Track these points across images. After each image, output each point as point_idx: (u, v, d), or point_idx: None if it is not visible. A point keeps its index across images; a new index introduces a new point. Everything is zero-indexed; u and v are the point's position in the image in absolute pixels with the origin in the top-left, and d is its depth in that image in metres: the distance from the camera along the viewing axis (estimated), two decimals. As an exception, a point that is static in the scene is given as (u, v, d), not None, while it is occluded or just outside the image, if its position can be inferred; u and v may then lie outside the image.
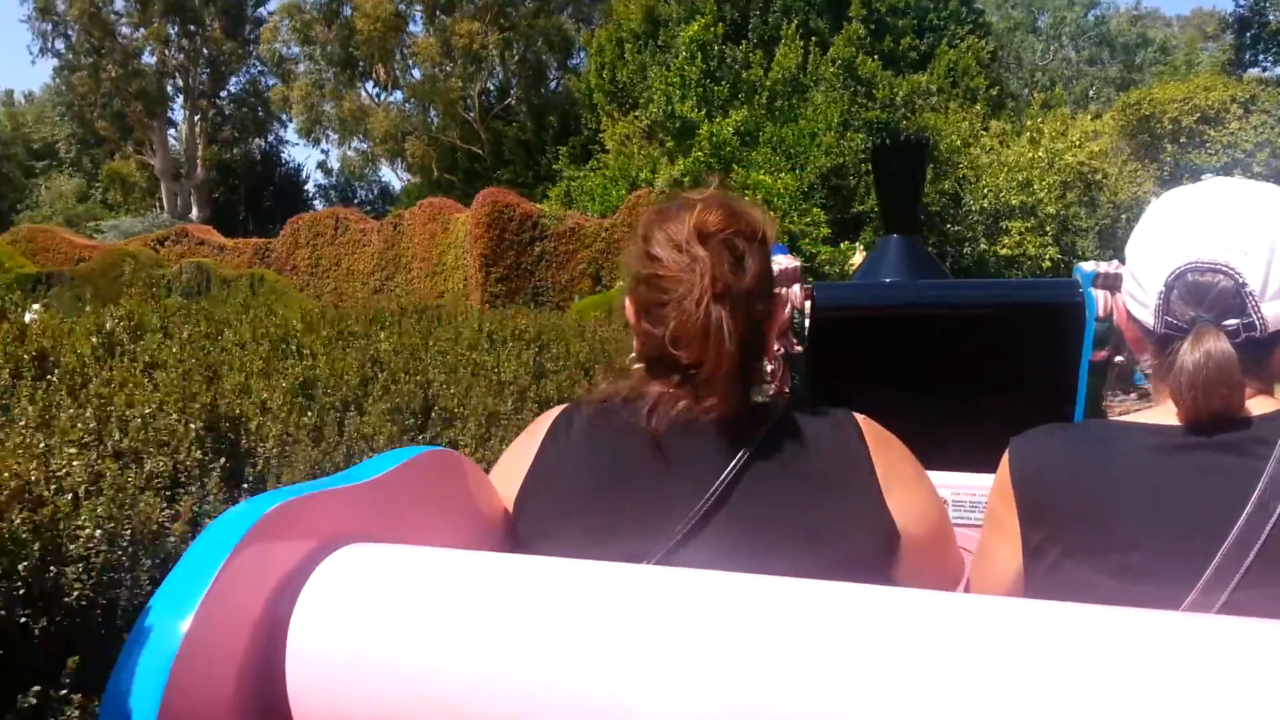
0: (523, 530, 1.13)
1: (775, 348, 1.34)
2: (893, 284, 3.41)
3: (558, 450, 1.16)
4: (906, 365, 2.60)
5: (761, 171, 18.52)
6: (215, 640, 0.74)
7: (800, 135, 19.59)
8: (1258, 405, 1.05)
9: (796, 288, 2.23)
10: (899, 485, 1.13)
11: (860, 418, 1.16)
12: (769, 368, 1.17)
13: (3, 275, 37.46)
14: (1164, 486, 1.01)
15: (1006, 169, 19.55)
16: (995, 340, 2.52)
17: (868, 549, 1.08)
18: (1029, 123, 21.07)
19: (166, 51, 48.65)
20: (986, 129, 21.46)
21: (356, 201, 47.34)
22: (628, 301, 1.20)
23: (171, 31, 47.51)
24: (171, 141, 52.89)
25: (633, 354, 1.19)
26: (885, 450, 1.15)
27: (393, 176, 44.85)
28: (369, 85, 41.14)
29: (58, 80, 47.16)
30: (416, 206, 24.20)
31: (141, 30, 46.62)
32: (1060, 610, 0.76)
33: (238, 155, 53.16)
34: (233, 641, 0.76)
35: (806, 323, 2.41)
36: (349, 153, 46.89)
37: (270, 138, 51.42)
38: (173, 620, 0.72)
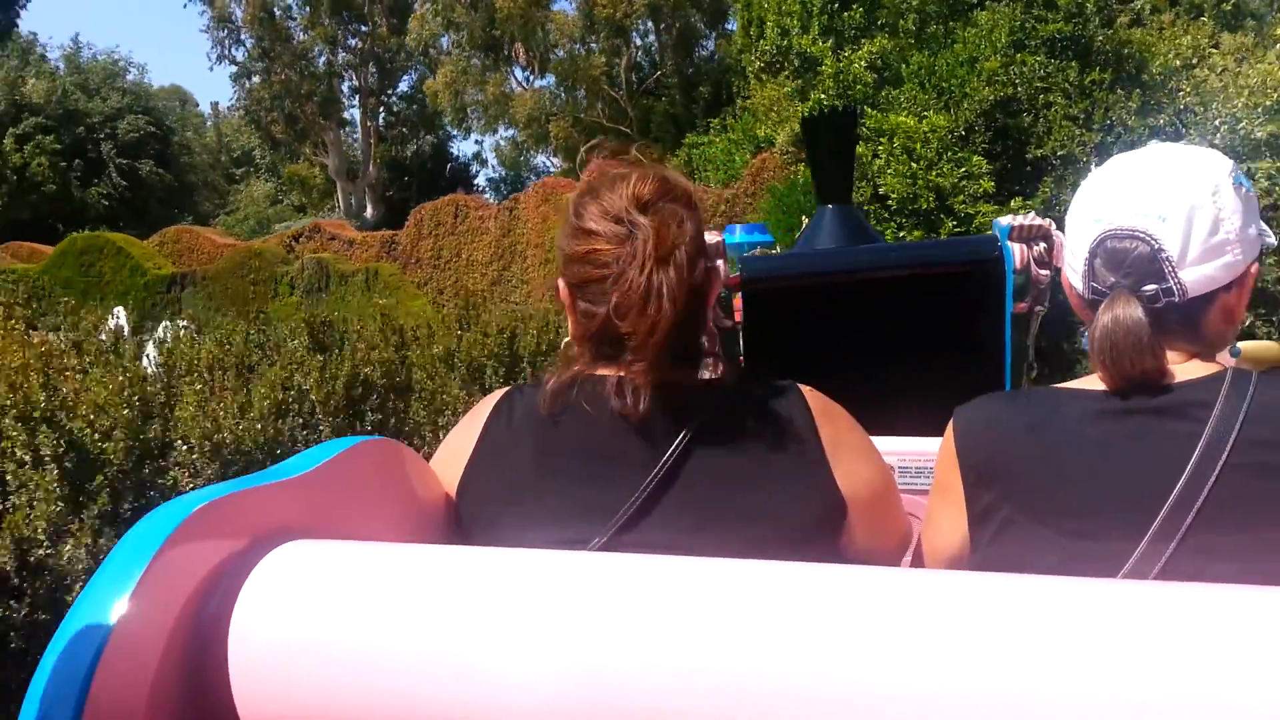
0: (465, 518, 1.11)
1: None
2: (814, 252, 3.11)
3: (498, 435, 1.14)
4: (838, 333, 2.63)
5: (904, 112, 14.24)
6: (142, 639, 0.73)
7: (956, 64, 15.12)
8: (1189, 370, 1.08)
9: (720, 263, 2.19)
10: (845, 454, 1.13)
11: (805, 389, 1.15)
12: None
13: (142, 278, 38.71)
14: (1105, 450, 1.05)
15: (1248, 91, 14.30)
16: (923, 303, 2.55)
17: (814, 521, 1.08)
18: (1280, 30, 15.62)
19: (335, 52, 48.71)
20: (1216, 46, 16.13)
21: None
22: (561, 284, 1.18)
23: (339, 32, 47.32)
24: (350, 141, 53.46)
25: (568, 339, 1.17)
26: (831, 420, 1.15)
27: (548, 163, 43.72)
28: (516, 71, 39.23)
29: (235, 87, 48.18)
30: (530, 187, 22.63)
31: (309, 32, 46.68)
32: (996, 581, 0.78)
33: (409, 152, 52.71)
34: (161, 640, 0.74)
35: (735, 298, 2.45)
36: (500, 142, 45.42)
37: (440, 133, 51.06)
38: (97, 620, 0.71)
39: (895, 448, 2.02)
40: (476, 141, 60.32)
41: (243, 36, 46.73)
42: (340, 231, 28.10)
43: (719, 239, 2.17)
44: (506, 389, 1.20)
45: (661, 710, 0.71)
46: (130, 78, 51.19)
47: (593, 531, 1.03)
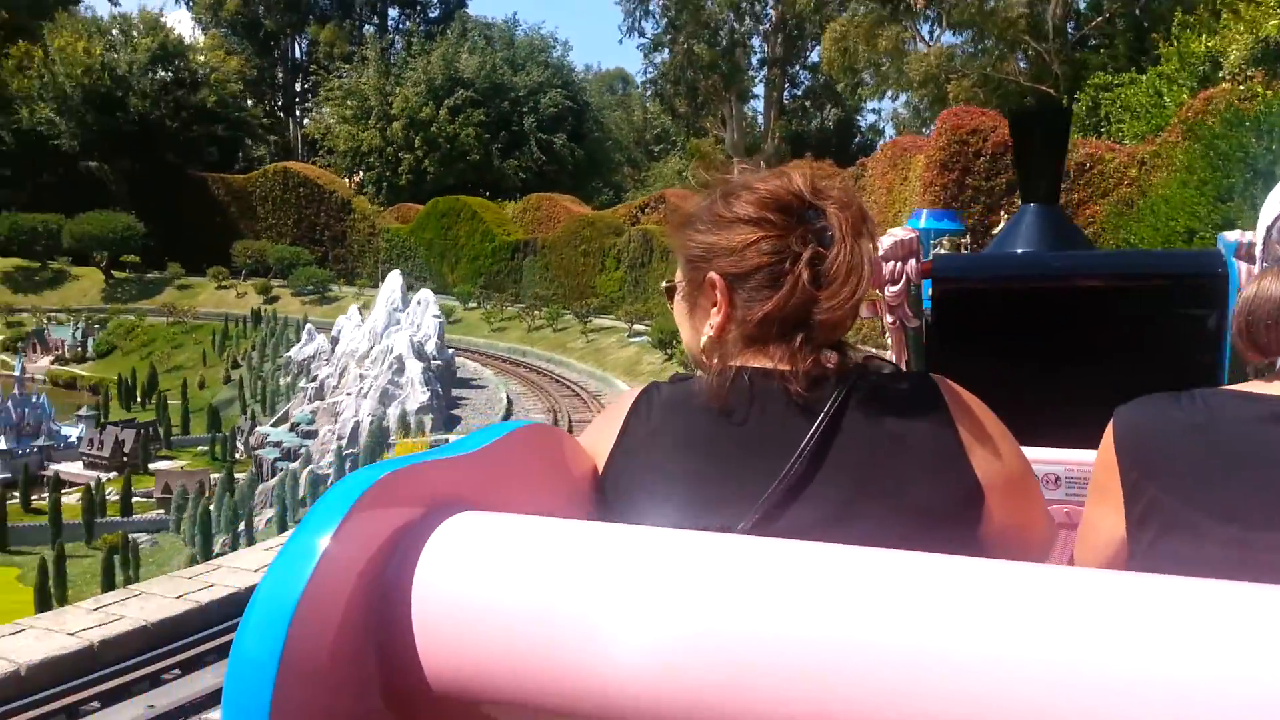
0: (607, 513, 1.13)
1: (891, 320, 1.52)
2: (1019, 255, 2.86)
3: (639, 430, 1.17)
4: (1033, 341, 2.56)
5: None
6: (331, 595, 0.79)
7: None
8: None
9: (913, 261, 2.26)
10: (982, 442, 1.13)
11: (938, 378, 1.17)
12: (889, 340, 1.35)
13: (490, 243, 38.80)
14: (1274, 453, 1.06)
15: None
16: (1130, 315, 2.50)
17: (953, 506, 1.09)
18: None
19: (742, 19, 46.04)
20: None
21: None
22: (715, 276, 1.17)
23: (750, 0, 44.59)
24: (752, 114, 51.00)
25: (708, 335, 1.19)
26: (966, 409, 1.15)
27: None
28: (919, 29, 33.46)
29: (644, 61, 47.46)
30: (879, 150, 21.06)
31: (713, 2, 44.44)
32: (1157, 583, 0.77)
33: (811, 126, 48.52)
34: (347, 596, 0.80)
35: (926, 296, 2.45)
36: (899, 109, 39.67)
37: (844, 105, 46.81)
38: (294, 572, 0.77)
39: (1075, 458, 2.00)
40: (874, 110, 54.33)
41: (652, 7, 46.15)
42: (685, 202, 24.97)
43: (913, 235, 2.21)
44: (644, 385, 1.23)
45: (807, 698, 0.73)
46: (555, 54, 52.67)
47: (738, 518, 1.04)
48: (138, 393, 28.73)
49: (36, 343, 33.73)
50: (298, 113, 58.61)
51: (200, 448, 24.00)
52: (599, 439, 1.19)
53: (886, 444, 1.09)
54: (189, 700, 8.48)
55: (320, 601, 0.77)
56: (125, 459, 22.42)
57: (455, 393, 23.77)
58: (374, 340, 23.50)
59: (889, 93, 37.08)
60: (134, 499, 19.64)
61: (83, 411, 24.68)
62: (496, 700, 0.82)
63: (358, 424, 20.20)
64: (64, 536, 16.66)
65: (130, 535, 16.37)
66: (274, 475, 19.36)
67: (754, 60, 47.77)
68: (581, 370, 27.00)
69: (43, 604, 13.01)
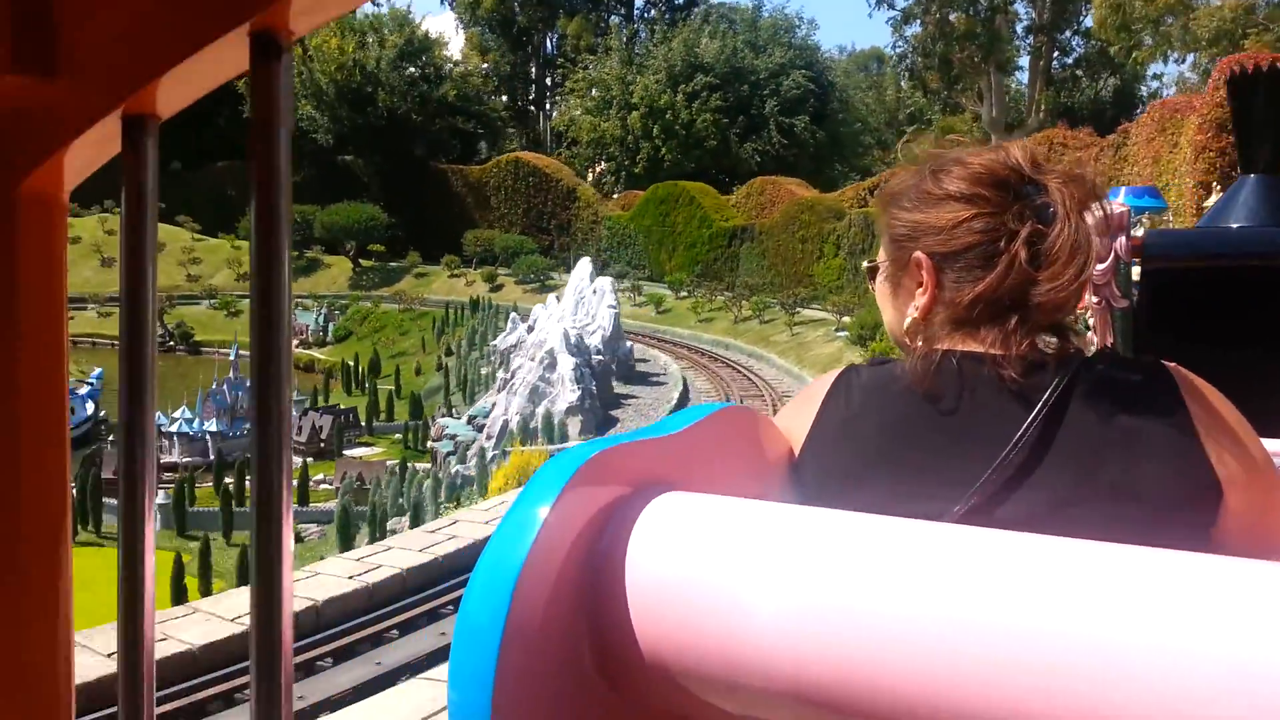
0: (803, 498, 1.12)
1: (1097, 301, 1.46)
2: (1238, 230, 2.77)
3: (837, 414, 1.14)
4: (1253, 324, 2.44)
5: None
6: (550, 565, 0.82)
7: None
8: None
9: (1123, 238, 2.17)
10: (1218, 433, 1.07)
11: (1172, 366, 1.11)
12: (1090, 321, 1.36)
13: (707, 229, 37.15)
14: None
15: None
16: None
17: (1185, 501, 1.03)
18: None
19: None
20: None
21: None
22: (920, 257, 1.14)
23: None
24: (1016, 87, 46.80)
25: (913, 317, 1.16)
26: (1201, 398, 1.09)
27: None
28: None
29: (894, 36, 44.66)
30: (1144, 114, 19.12)
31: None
32: None
33: (1083, 96, 43.65)
34: (564, 567, 0.84)
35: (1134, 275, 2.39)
36: (1185, 71, 34.42)
37: (1123, 73, 41.56)
38: (515, 545, 0.81)
39: None
40: (1155, 77, 47.79)
41: (906, -23, 43.12)
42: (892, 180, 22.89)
43: (1123, 209, 2.11)
44: (842, 368, 1.21)
45: (1027, 696, 0.70)
46: (799, 34, 50.67)
47: (946, 506, 1.01)
48: (363, 377, 29.86)
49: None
50: (547, 106, 60.04)
51: (397, 435, 24.34)
52: (795, 422, 1.17)
53: (1116, 436, 1.03)
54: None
55: (540, 570, 0.81)
56: (321, 444, 23.00)
57: (627, 390, 22.70)
58: (582, 326, 22.88)
59: (1173, 55, 32.28)
60: (325, 486, 19.93)
61: (295, 395, 25.78)
62: (701, 677, 0.84)
63: (505, 423, 19.44)
64: (236, 525, 16.92)
65: (300, 525, 16.44)
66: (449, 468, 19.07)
67: (1018, 28, 43.52)
68: (780, 367, 25.16)
69: (176, 596, 12.98)
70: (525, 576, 0.80)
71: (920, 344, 1.14)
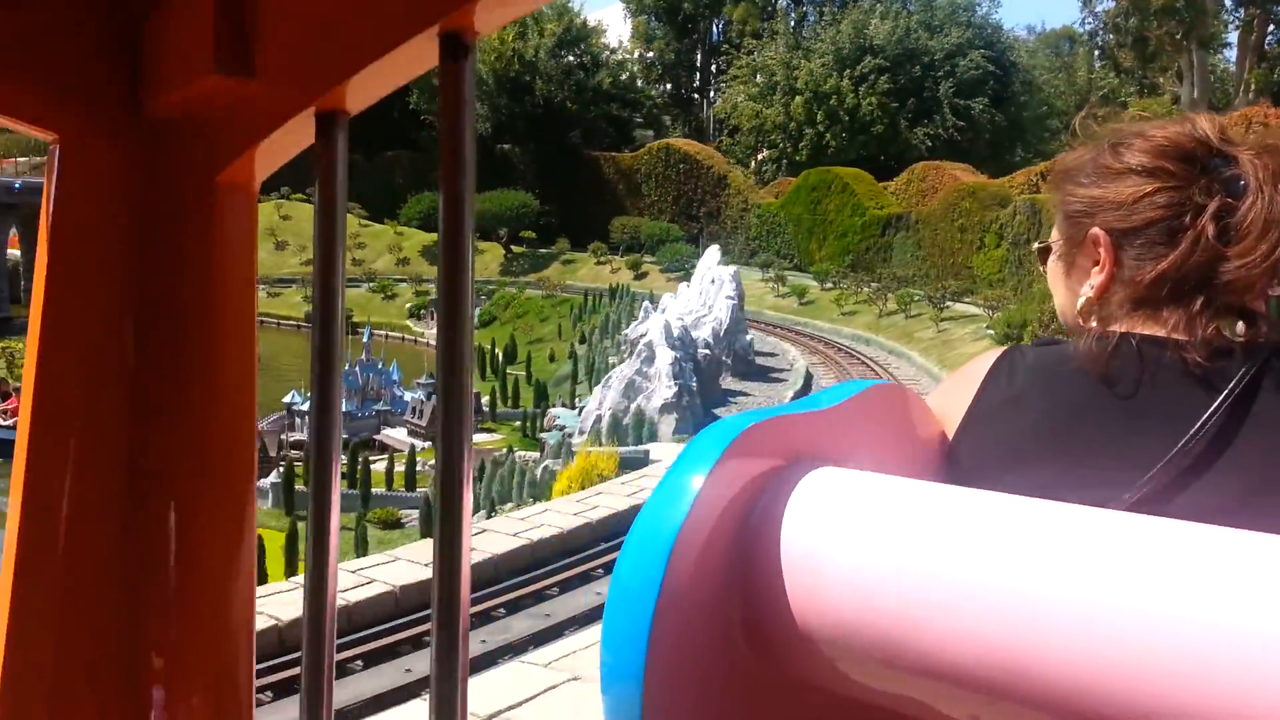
0: (960, 468, 1.10)
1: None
2: None
3: (997, 395, 1.11)
4: None
5: None
6: (704, 534, 0.83)
7: None
8: None
9: None
10: None
11: None
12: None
13: (859, 218, 35.03)
14: None
15: None
16: None
17: None
18: None
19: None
20: None
21: None
22: (1098, 234, 1.10)
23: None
24: (1222, 64, 42.64)
25: (1087, 296, 1.12)
26: None
27: None
28: None
29: (1084, 11, 41.63)
30: None
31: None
32: None
33: (1302, 74, 39.36)
34: (717, 537, 0.84)
35: None
36: None
37: None
38: (670, 512, 0.81)
39: None
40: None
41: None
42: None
43: None
44: (1004, 348, 1.17)
45: (1205, 695, 0.68)
46: (980, 12, 47.76)
47: (1115, 493, 0.96)
48: (499, 363, 29.96)
49: (433, 311, 36.92)
50: (711, 93, 59.17)
51: (518, 423, 24.13)
52: (950, 402, 1.14)
53: None
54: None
55: (694, 538, 0.81)
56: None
57: (740, 386, 21.52)
58: (696, 318, 21.91)
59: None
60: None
61: (422, 379, 25.94)
62: (855, 654, 0.84)
63: (599, 418, 18.58)
64: (343, 506, 16.99)
65: (401, 511, 16.34)
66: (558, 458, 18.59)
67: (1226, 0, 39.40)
68: (919, 365, 23.44)
69: (289, 570, 13.00)
70: (680, 543, 0.80)
71: (1094, 325, 1.09)
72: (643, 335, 23.19)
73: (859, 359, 24.98)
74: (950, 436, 1.11)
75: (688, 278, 35.80)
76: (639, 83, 53.38)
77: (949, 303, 26.35)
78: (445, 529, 0.51)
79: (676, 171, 42.78)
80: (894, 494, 0.88)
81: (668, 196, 43.02)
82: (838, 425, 0.98)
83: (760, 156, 47.41)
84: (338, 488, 0.62)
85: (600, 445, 17.70)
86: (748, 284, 36.68)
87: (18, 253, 40.51)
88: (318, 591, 0.62)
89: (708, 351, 20.88)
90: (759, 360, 23.30)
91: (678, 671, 0.81)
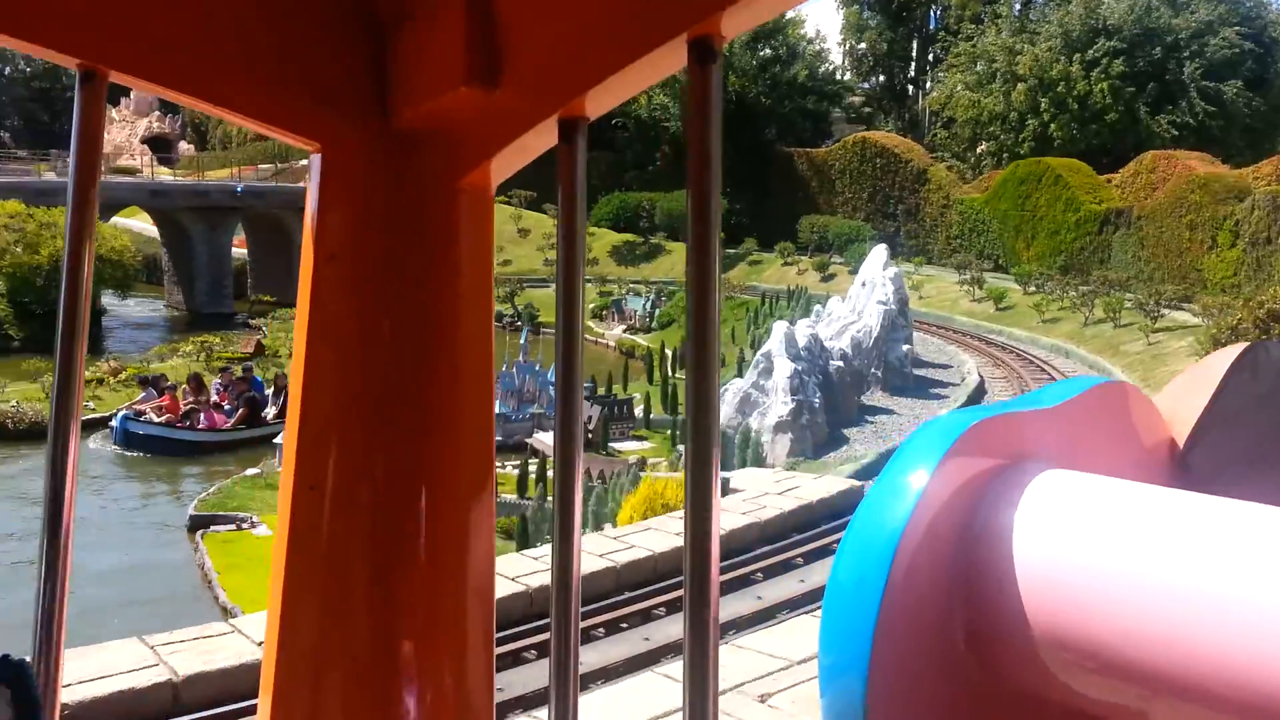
0: (1195, 473, 1.04)
1: None
2: None
3: (1240, 394, 1.05)
4: None
5: None
6: (928, 532, 0.80)
7: None
8: None
9: None
10: None
11: None
12: None
13: (1073, 214, 31.02)
14: None
15: None
16: None
17: None
18: None
19: None
20: None
21: None
22: None
23: None
24: None
25: None
26: None
27: None
28: None
29: None
30: None
31: None
32: None
33: None
34: (942, 535, 0.82)
35: None
36: None
37: None
38: (894, 509, 0.79)
39: None
40: None
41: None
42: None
43: None
44: (1247, 344, 1.12)
45: None
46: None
47: None
48: (667, 366, 29.07)
49: (615, 312, 36.59)
50: (927, 84, 55.92)
51: (669, 431, 23.09)
52: (1183, 403, 1.09)
53: None
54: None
55: (918, 538, 0.79)
56: (589, 435, 22.35)
57: (886, 402, 19.38)
58: (843, 325, 20.00)
59: None
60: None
61: (585, 382, 25.37)
62: (1080, 665, 0.81)
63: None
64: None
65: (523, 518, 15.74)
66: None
67: None
68: (1120, 383, 20.33)
69: None
70: (904, 543, 0.77)
71: None
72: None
73: (1051, 373, 22.15)
74: (1182, 439, 1.03)
75: (879, 279, 33.69)
76: (846, 75, 51.06)
77: (1164, 311, 22.96)
78: (697, 497, 0.56)
79: (872, 167, 40.49)
80: (1132, 499, 0.84)
81: (863, 193, 40.86)
82: (1063, 424, 0.92)
83: (980, 149, 44.30)
84: (580, 469, 0.67)
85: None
86: (942, 286, 34.06)
87: (244, 251, 43.65)
88: (564, 565, 0.66)
89: (841, 364, 18.87)
90: (923, 373, 20.94)
91: (900, 674, 0.79)
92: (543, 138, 0.71)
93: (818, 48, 47.71)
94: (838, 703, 0.78)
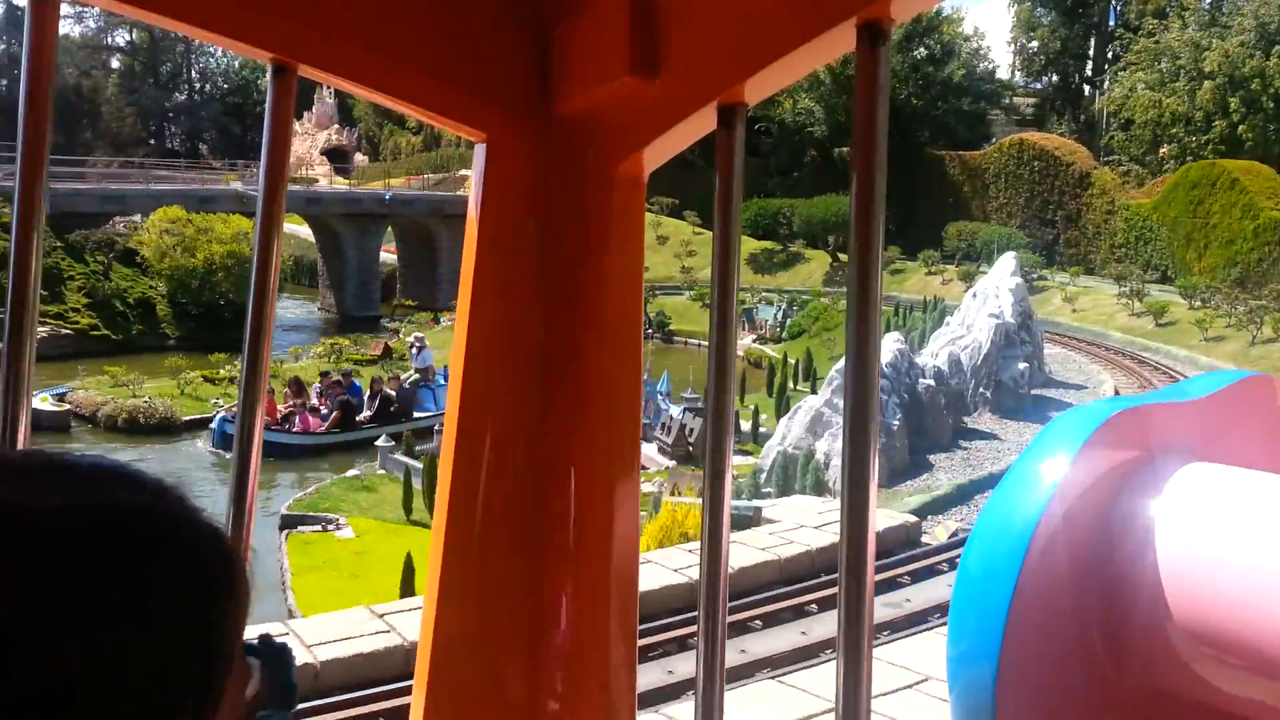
0: None
1: None
2: None
3: None
4: None
5: None
6: (1064, 522, 0.80)
7: None
8: None
9: None
10: None
11: None
12: None
13: (1251, 222, 27.40)
14: None
15: None
16: None
17: None
18: None
19: None
20: None
21: None
22: None
23: None
24: None
25: None
26: None
27: None
28: None
29: None
30: None
31: None
32: None
33: None
34: (1076, 531, 0.81)
35: None
36: None
37: None
38: (1028, 499, 0.78)
39: None
40: None
41: None
42: None
43: None
44: None
45: None
46: None
47: None
48: (787, 378, 27.82)
49: (746, 321, 35.38)
50: (1105, 83, 52.01)
51: (776, 445, 21.86)
52: None
53: None
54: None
55: (1054, 528, 0.78)
56: (690, 448, 21.45)
57: (991, 425, 17.45)
58: (949, 339, 18.21)
59: None
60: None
61: (687, 393, 24.47)
62: (1228, 664, 0.78)
63: (780, 454, 15.38)
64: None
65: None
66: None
67: None
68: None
69: (405, 590, 12.15)
70: (1040, 533, 0.76)
71: None
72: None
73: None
74: None
75: (1032, 292, 31.29)
76: (1015, 75, 48.08)
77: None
78: (853, 491, 0.58)
79: (1030, 170, 37.72)
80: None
81: (1019, 198, 38.15)
82: (1207, 417, 0.90)
83: (1161, 152, 40.79)
84: (730, 474, 0.69)
85: (762, 490, 14.88)
86: (1099, 299, 31.20)
87: (394, 257, 45.05)
88: (713, 558, 0.68)
89: (932, 383, 17.02)
90: (1048, 393, 18.71)
91: (1032, 666, 0.77)
92: (697, 125, 0.72)
93: (975, 45, 45.00)
94: (967, 693, 0.76)
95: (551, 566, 0.85)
